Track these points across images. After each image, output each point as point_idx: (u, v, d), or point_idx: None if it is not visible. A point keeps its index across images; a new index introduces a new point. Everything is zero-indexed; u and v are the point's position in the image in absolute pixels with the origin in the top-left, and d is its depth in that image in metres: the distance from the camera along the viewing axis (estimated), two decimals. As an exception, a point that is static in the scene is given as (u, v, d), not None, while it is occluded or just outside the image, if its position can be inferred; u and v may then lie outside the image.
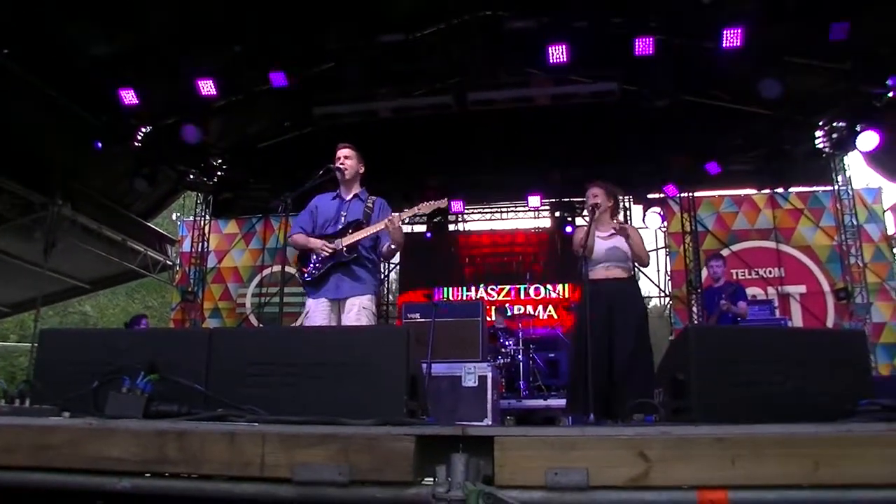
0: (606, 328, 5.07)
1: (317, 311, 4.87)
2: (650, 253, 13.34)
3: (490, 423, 6.29)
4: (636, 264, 5.79)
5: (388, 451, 2.00)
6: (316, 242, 4.96)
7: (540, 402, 8.68)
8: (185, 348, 3.05)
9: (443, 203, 4.97)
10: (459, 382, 6.49)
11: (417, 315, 7.03)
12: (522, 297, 13.62)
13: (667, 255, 13.65)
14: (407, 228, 14.32)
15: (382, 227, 4.83)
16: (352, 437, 2.03)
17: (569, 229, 13.11)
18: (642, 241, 5.54)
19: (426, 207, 4.94)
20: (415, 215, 5.05)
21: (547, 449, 1.98)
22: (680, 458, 1.98)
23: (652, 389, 3.55)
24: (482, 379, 6.47)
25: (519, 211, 14.94)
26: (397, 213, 4.92)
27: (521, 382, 9.06)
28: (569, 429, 2.07)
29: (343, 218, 5.03)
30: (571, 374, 5.79)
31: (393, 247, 4.99)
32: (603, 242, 5.47)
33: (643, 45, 9.21)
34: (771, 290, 12.83)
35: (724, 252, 13.11)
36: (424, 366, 6.14)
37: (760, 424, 2.22)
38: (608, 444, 1.99)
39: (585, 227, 5.36)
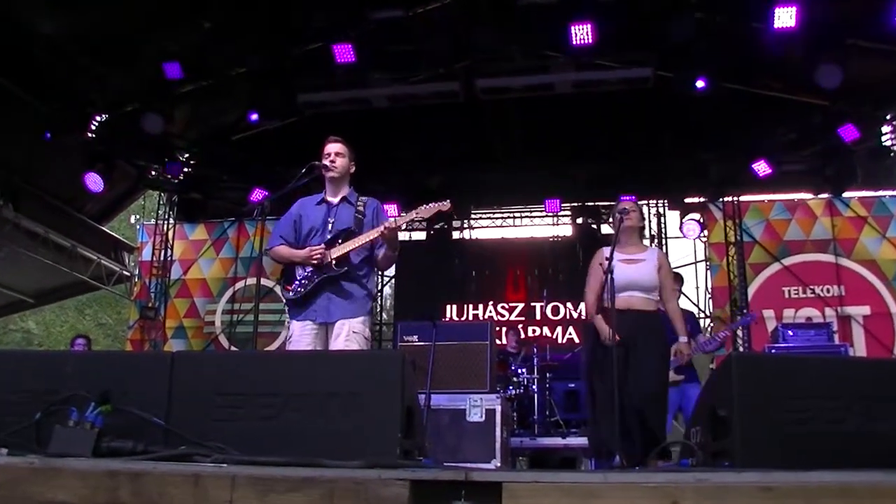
0: (626, 363, 5.09)
1: (301, 336, 4.85)
2: (688, 267, 13.52)
3: (499, 464, 6.29)
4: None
5: (377, 497, 2.00)
6: (300, 254, 4.95)
7: (557, 441, 8.65)
8: (144, 374, 3.06)
9: (445, 206, 4.94)
10: (463, 417, 6.48)
11: (415, 337, 7.02)
12: (538, 316, 13.58)
13: (707, 270, 13.60)
14: (404, 236, 14.34)
15: (377, 234, 4.82)
16: (336, 482, 2.03)
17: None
18: (672, 282, 5.56)
19: (426, 211, 4.93)
20: (413, 220, 5.03)
21: (564, 497, 1.98)
22: (719, 510, 1.98)
23: (664, 437, 3.56)
24: (490, 413, 6.47)
25: (535, 216, 14.92)
26: (394, 218, 4.91)
27: (536, 417, 9.05)
28: (589, 474, 2.08)
29: (331, 225, 5.01)
30: (591, 409, 5.80)
31: (389, 254, 4.97)
32: (626, 267, 5.46)
33: (681, 26, 9.24)
34: (829, 311, 12.78)
35: (776, 266, 13.14)
36: (423, 397, 6.15)
37: (815, 471, 2.21)
38: (635, 493, 1.99)
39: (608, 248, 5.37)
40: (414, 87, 10.84)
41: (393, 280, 14.96)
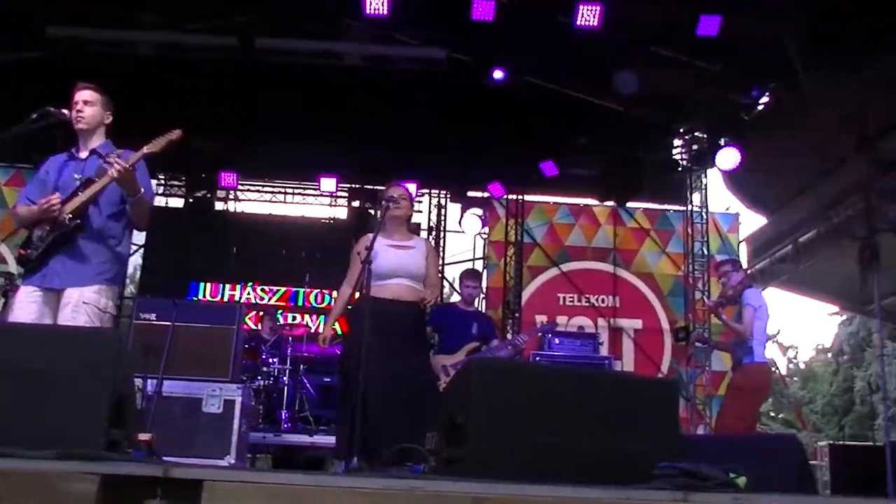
0: (382, 357, 5.14)
1: (24, 304, 4.55)
2: (465, 264, 13.90)
3: (233, 461, 6.26)
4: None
5: (62, 493, 1.96)
6: (35, 209, 4.64)
7: (304, 439, 8.65)
8: None
9: (175, 135, 4.75)
10: (199, 407, 6.40)
11: (153, 316, 6.82)
12: (301, 303, 13.55)
13: (484, 268, 13.91)
14: (159, 201, 13.88)
15: (109, 179, 4.54)
16: (12, 475, 1.97)
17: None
18: (437, 269, 5.66)
19: (156, 144, 4.70)
20: (145, 155, 4.74)
21: (269, 500, 2.03)
22: (430, 520, 2.10)
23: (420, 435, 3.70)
24: (228, 404, 6.41)
25: (309, 195, 14.88)
26: (122, 153, 4.66)
27: (283, 412, 9.04)
28: (301, 476, 2.13)
29: (79, 182, 4.76)
30: (339, 407, 5.88)
31: (133, 201, 4.68)
32: (395, 252, 5.56)
33: (482, 8, 9.45)
34: (602, 321, 13.58)
35: (554, 271, 13.80)
36: (153, 383, 6.02)
37: (534, 485, 2.37)
38: (345, 499, 2.07)
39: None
40: (187, 36, 10.48)
41: (142, 249, 14.37)
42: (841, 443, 15.11)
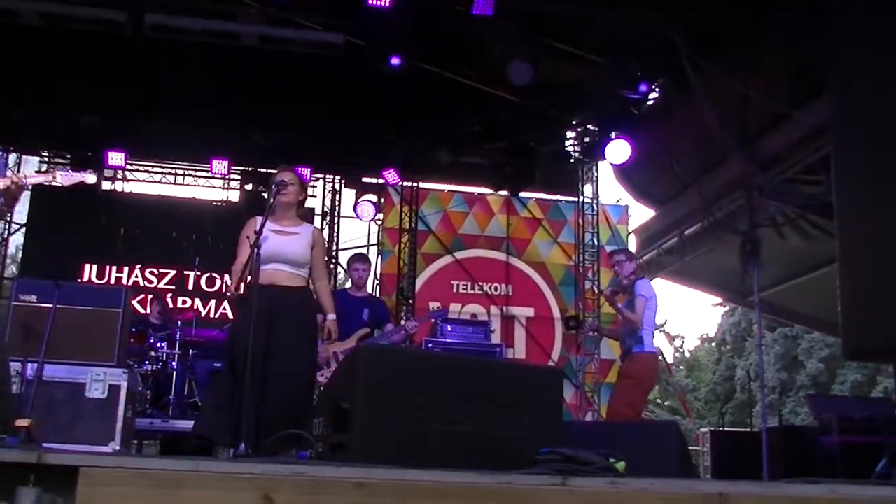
0: (266, 342, 5.13)
1: None
2: (359, 250, 13.89)
3: (118, 447, 6.13)
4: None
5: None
6: None
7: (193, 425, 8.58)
8: None
9: (91, 179, 4.72)
10: (83, 392, 6.24)
11: (34, 298, 6.59)
12: (191, 286, 13.33)
13: (378, 255, 14.01)
14: (41, 176, 13.41)
15: (3, 186, 4.50)
16: None
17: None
18: (325, 260, 5.63)
19: (67, 178, 4.74)
20: (48, 182, 4.71)
21: (149, 486, 2.01)
22: (312, 505, 2.11)
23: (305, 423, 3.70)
24: (113, 389, 6.27)
25: (201, 176, 14.61)
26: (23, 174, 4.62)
27: (172, 398, 8.91)
28: (181, 462, 2.12)
29: None
30: (215, 391, 5.83)
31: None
32: (276, 238, 5.51)
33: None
34: (495, 309, 13.76)
35: (448, 259, 13.90)
36: (33, 367, 5.86)
37: (416, 470, 2.40)
38: (227, 484, 2.06)
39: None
40: (73, 8, 10.14)
41: (24, 229, 13.89)
42: (721, 429, 15.63)
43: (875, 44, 6.48)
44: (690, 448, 7.43)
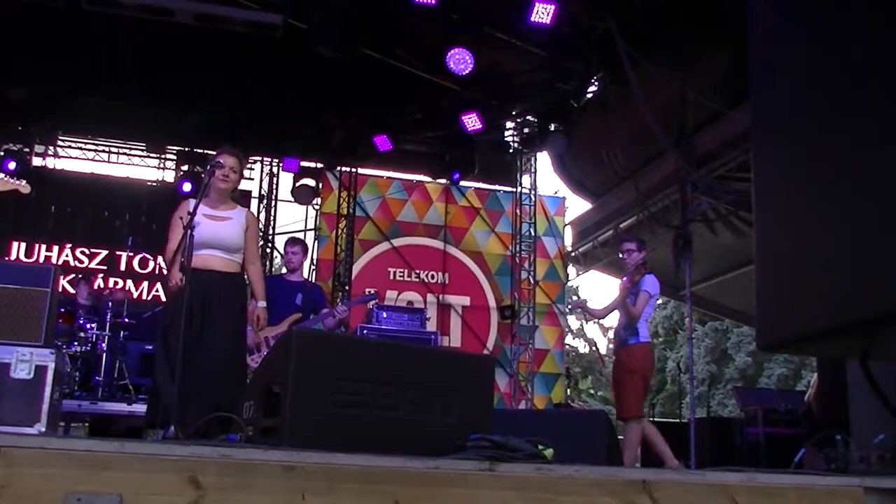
0: (198, 326, 5.11)
1: None
2: (295, 234, 13.81)
3: (43, 429, 6.03)
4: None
5: None
6: None
7: (122, 407, 8.43)
8: None
9: (25, 189, 4.62)
10: (7, 372, 6.12)
11: (-41, 278, 6.49)
12: (123, 267, 13.13)
13: (315, 240, 13.96)
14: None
15: None
16: None
17: (187, 187, 12.52)
18: (257, 244, 5.58)
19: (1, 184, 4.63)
20: None
21: (72, 468, 1.98)
22: (240, 488, 2.11)
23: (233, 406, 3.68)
24: (40, 370, 6.16)
25: (136, 155, 14.38)
26: None
27: (101, 379, 8.77)
28: (105, 443, 2.10)
29: None
30: (154, 375, 5.76)
31: None
32: (210, 224, 5.45)
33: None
34: (431, 297, 13.81)
35: (385, 246, 13.91)
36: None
37: (345, 454, 2.41)
38: (153, 466, 2.05)
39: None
40: (5, -19, 9.94)
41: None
42: (651, 419, 15.89)
43: (789, 29, 6.60)
44: (620, 437, 7.52)
